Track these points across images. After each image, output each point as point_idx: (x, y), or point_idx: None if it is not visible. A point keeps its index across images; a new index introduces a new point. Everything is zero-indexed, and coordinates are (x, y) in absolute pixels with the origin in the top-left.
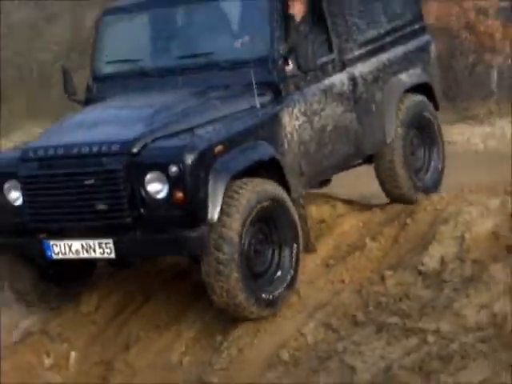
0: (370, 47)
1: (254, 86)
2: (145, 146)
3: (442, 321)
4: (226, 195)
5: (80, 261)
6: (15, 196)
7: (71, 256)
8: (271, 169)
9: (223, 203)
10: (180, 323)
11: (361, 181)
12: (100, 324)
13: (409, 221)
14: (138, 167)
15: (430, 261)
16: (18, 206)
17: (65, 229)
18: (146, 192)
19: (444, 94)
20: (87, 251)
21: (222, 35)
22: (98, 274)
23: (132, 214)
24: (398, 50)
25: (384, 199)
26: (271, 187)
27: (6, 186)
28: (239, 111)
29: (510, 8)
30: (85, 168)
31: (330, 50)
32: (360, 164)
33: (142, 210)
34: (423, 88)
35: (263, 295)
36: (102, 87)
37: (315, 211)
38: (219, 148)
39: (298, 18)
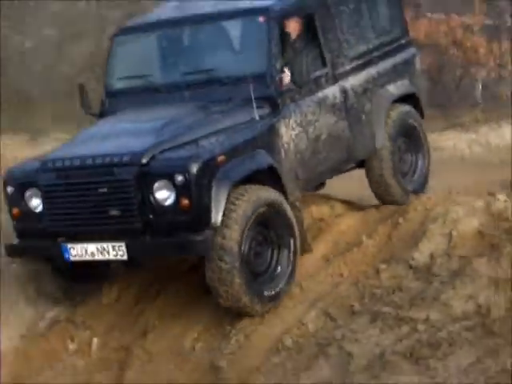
0: (360, 61)
1: (253, 100)
2: (153, 157)
3: (431, 311)
4: (227, 202)
5: (96, 262)
6: (36, 203)
7: (87, 258)
8: (270, 175)
9: (224, 213)
10: (192, 313)
11: (357, 184)
12: (119, 313)
13: (401, 220)
14: (147, 176)
15: (421, 256)
16: (39, 213)
17: (81, 233)
18: (155, 199)
19: (433, 105)
20: (102, 253)
21: (224, 53)
22: (117, 269)
23: (142, 220)
24: (386, 64)
25: None
26: (267, 194)
27: (28, 194)
28: (240, 123)
29: (493, 25)
30: (98, 177)
31: (324, 64)
32: (353, 168)
33: (151, 216)
34: (409, 98)
35: (265, 292)
36: (114, 102)
37: (315, 211)
38: (221, 158)
39: (293, 35)
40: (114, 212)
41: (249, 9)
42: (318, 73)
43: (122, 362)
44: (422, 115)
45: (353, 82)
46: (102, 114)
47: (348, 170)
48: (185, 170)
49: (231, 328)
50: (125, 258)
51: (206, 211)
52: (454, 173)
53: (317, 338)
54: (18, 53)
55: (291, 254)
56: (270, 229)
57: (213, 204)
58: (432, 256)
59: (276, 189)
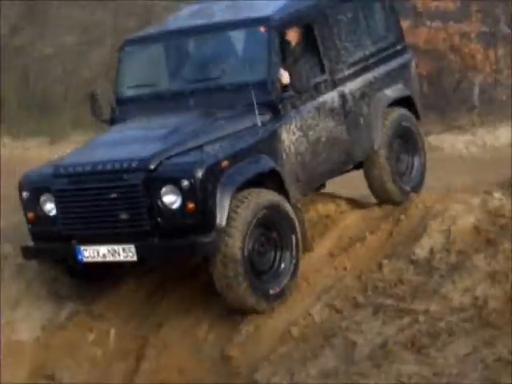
0: (357, 67)
1: (256, 106)
2: (160, 162)
3: (431, 303)
4: (231, 206)
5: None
6: (50, 207)
7: (99, 259)
8: (272, 178)
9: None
10: (204, 306)
11: (361, 183)
12: (136, 305)
13: (402, 217)
14: (155, 181)
15: (421, 251)
16: (53, 216)
17: (93, 236)
18: (162, 203)
19: (433, 108)
20: (113, 255)
21: (227, 62)
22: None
23: (150, 223)
24: (382, 69)
25: None
26: (269, 197)
27: (42, 198)
28: (242, 129)
29: (489, 33)
30: (108, 183)
31: (322, 71)
32: (352, 169)
33: (159, 219)
34: (405, 101)
35: (271, 291)
36: (123, 109)
37: (321, 208)
38: (225, 163)
39: (293, 44)
40: (124, 215)
41: (250, 19)
42: (317, 79)
43: (138, 351)
44: (417, 117)
45: (351, 87)
46: (112, 121)
47: (348, 171)
48: (190, 175)
49: (241, 320)
50: (134, 259)
51: (212, 214)
52: (453, 171)
53: (322, 329)
54: (39, 59)
55: (293, 253)
56: (273, 229)
57: (217, 207)
58: (432, 251)
59: (278, 191)
